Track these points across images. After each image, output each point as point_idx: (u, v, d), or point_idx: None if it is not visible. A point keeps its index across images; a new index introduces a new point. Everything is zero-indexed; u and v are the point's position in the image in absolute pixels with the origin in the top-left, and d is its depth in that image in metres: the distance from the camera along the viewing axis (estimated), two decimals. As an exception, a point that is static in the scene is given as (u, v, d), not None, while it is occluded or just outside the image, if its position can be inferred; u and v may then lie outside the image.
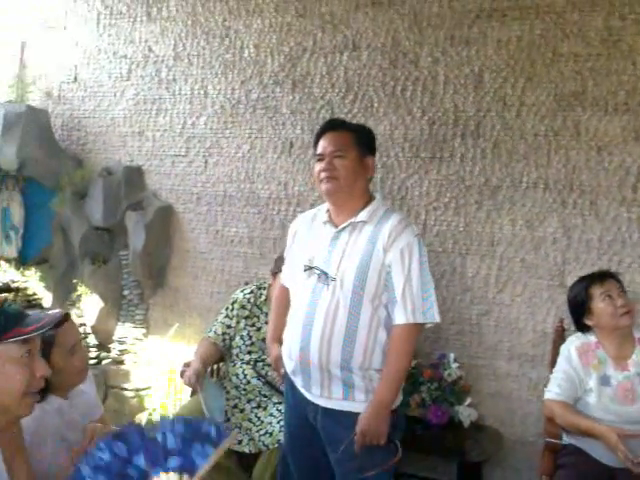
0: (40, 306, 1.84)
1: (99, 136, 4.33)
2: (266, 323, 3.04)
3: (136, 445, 1.40)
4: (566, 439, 2.61)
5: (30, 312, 1.58)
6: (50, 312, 1.62)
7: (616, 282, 2.59)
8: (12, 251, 4.22)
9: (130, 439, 1.42)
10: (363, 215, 2.14)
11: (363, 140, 2.22)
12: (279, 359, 2.36)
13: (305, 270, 2.17)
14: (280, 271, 3.01)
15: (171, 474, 1.35)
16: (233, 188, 3.92)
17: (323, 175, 2.15)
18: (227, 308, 3.10)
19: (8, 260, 4.16)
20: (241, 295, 3.11)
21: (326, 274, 2.11)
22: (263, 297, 3.10)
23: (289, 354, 2.22)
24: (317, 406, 2.16)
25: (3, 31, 4.67)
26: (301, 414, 2.24)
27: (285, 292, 2.40)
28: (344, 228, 2.15)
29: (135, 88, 4.24)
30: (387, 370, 2.07)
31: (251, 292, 3.11)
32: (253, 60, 3.92)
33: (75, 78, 4.45)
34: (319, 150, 2.20)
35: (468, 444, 2.98)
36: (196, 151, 4.04)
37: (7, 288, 3.95)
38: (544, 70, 3.29)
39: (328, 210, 2.25)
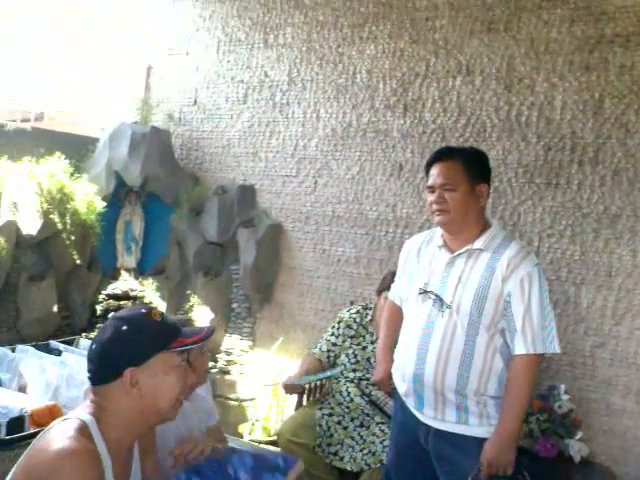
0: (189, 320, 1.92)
1: (215, 156, 4.49)
2: (371, 343, 3.02)
3: (209, 478, 1.48)
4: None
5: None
6: (202, 326, 1.69)
7: None
8: (132, 262, 4.43)
9: (205, 473, 1.50)
10: (480, 243, 2.07)
11: (474, 168, 2.11)
12: (387, 377, 2.34)
13: (420, 293, 2.13)
14: (385, 289, 2.98)
15: None
16: (341, 209, 3.95)
17: (434, 207, 2.10)
18: (333, 327, 3.11)
19: (128, 270, 4.37)
20: (347, 314, 3.11)
21: (441, 300, 2.07)
22: (369, 317, 3.09)
23: (402, 376, 2.19)
24: (429, 427, 2.12)
25: (131, 57, 4.97)
26: (411, 434, 2.19)
27: (395, 310, 2.38)
28: (460, 254, 2.09)
29: (250, 111, 4.38)
30: (509, 400, 1.99)
31: (357, 312, 3.10)
32: (365, 85, 3.96)
33: (195, 101, 4.65)
34: (430, 181, 2.14)
35: (578, 480, 2.82)
36: (306, 172, 4.11)
37: (127, 296, 4.14)
38: (670, 96, 3.12)
39: (443, 235, 2.18)
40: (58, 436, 1.36)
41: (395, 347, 2.33)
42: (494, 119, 3.55)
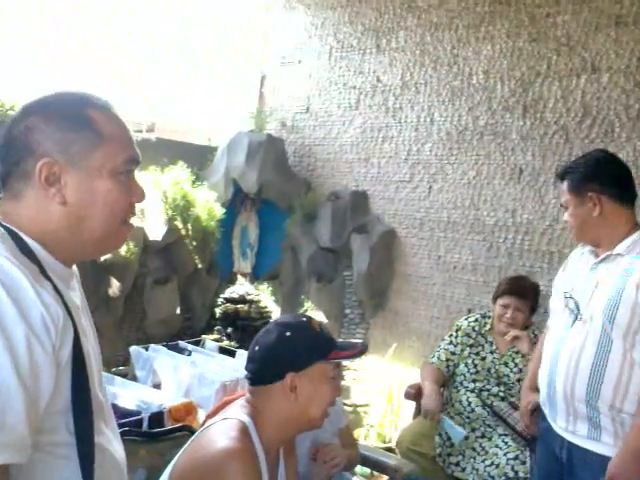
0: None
1: (327, 162, 4.46)
2: (491, 353, 2.90)
3: None
4: None
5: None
6: (355, 341, 1.72)
7: None
8: (247, 266, 4.49)
9: None
10: (621, 247, 1.92)
11: (576, 182, 1.99)
12: (529, 405, 2.25)
13: (565, 297, 2.03)
14: (499, 296, 2.90)
15: None
16: (457, 214, 3.80)
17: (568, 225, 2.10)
18: (451, 335, 3.02)
19: (244, 274, 4.43)
20: (465, 323, 3.01)
21: (578, 306, 1.96)
22: (488, 326, 2.97)
23: (540, 383, 2.11)
24: (563, 439, 2.01)
25: (245, 67, 5.04)
26: (549, 446, 2.09)
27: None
28: (602, 260, 1.96)
29: (363, 117, 4.31)
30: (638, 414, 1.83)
31: (476, 320, 3.00)
32: (482, 86, 3.79)
33: (307, 109, 4.64)
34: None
35: None
36: (420, 177, 3.99)
37: (243, 300, 4.20)
38: None
39: None
40: (222, 435, 1.39)
41: None
42: (623, 118, 3.28)
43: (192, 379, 2.86)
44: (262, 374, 1.52)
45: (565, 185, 2.01)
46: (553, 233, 3.43)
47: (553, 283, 2.21)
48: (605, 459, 1.88)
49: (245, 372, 1.57)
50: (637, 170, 3.20)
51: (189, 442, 1.48)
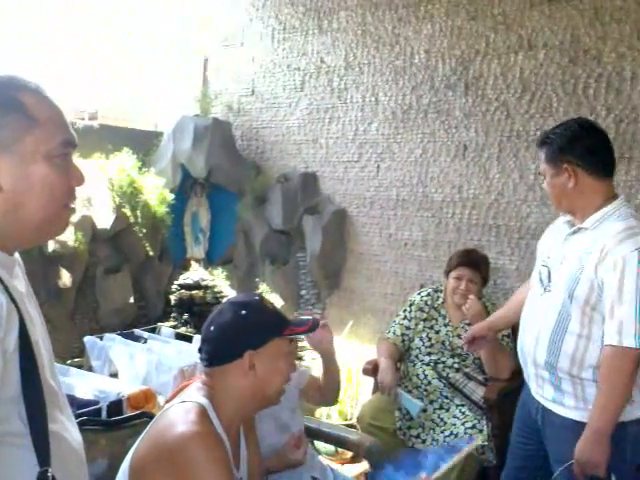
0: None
1: (276, 145, 4.43)
2: (444, 326, 2.96)
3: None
4: None
5: None
6: (306, 317, 1.72)
7: None
8: (200, 252, 4.44)
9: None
10: (589, 221, 1.92)
11: (552, 153, 1.97)
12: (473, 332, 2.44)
13: (542, 266, 2.05)
14: (452, 270, 2.97)
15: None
16: (406, 192, 3.84)
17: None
18: (405, 310, 3.07)
19: (197, 260, 4.38)
20: (418, 298, 3.07)
21: (549, 277, 2.00)
22: (440, 300, 3.03)
23: (518, 348, 2.18)
24: (538, 402, 2.08)
25: (187, 51, 4.92)
26: (527, 407, 2.17)
27: (524, 289, 2.30)
28: (574, 232, 1.97)
29: (309, 98, 4.29)
30: (599, 395, 1.85)
31: (428, 295, 3.06)
32: (424, 65, 3.81)
33: (252, 91, 4.58)
34: None
35: None
36: (368, 157, 4.01)
37: (198, 285, 4.15)
38: None
39: None
40: (180, 419, 1.38)
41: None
42: (560, 93, 3.37)
43: (149, 366, 2.83)
44: (220, 354, 1.51)
45: (542, 154, 1.99)
46: (499, 207, 3.51)
47: (537, 246, 2.22)
48: (568, 421, 1.94)
49: (200, 354, 1.56)
50: (575, 143, 3.30)
51: (148, 427, 1.47)
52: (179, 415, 1.40)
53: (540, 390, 2.04)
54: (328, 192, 4.17)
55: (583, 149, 1.93)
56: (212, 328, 1.52)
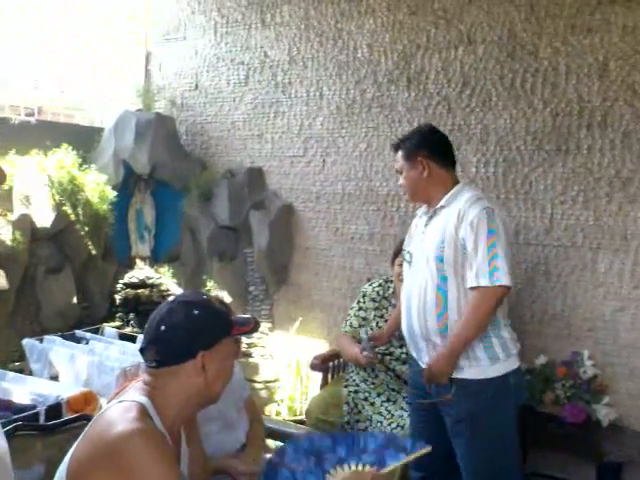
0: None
1: (221, 140, 4.37)
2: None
3: (340, 441, 1.61)
4: None
5: None
6: (246, 316, 1.71)
7: None
8: (146, 250, 4.34)
9: (337, 437, 1.63)
10: (442, 201, 2.24)
11: (408, 150, 2.32)
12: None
13: (403, 252, 2.39)
14: (396, 256, 3.02)
15: (364, 466, 1.55)
16: (351, 186, 3.84)
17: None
18: (359, 301, 3.07)
19: (143, 258, 4.28)
20: (370, 288, 3.09)
21: (411, 254, 2.30)
22: (391, 290, 3.05)
23: (403, 331, 2.34)
24: None
25: (129, 44, 4.79)
26: (420, 386, 2.28)
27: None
28: (432, 215, 2.27)
29: (253, 93, 4.24)
30: (458, 326, 2.13)
31: (379, 285, 3.08)
32: (367, 60, 3.82)
33: (196, 86, 4.50)
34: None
35: (606, 445, 2.77)
36: (314, 151, 3.99)
37: (144, 284, 4.06)
38: (677, 54, 2.99)
39: None
40: (119, 418, 1.34)
41: None
42: (499, 88, 3.42)
43: (91, 368, 2.77)
44: (172, 355, 1.47)
45: (400, 154, 2.33)
46: (440, 200, 3.54)
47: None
48: (469, 382, 2.14)
49: (145, 355, 1.51)
50: (514, 136, 3.37)
51: (85, 429, 1.42)
52: (118, 414, 1.36)
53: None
54: (274, 187, 4.13)
55: (433, 145, 2.31)
56: (163, 328, 1.47)
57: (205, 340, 1.47)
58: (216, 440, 1.90)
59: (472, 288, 2.09)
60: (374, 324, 2.98)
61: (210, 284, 4.03)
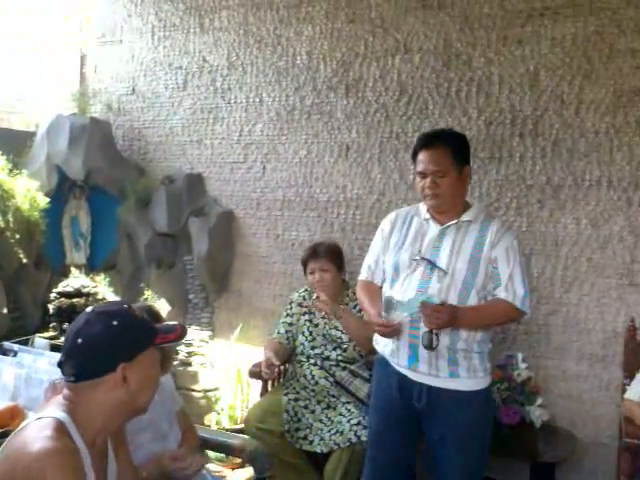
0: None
1: (159, 145, 4.22)
2: (322, 318, 2.96)
3: None
4: (645, 440, 2.40)
5: None
6: (173, 323, 1.64)
7: None
8: (81, 258, 4.15)
9: None
10: (468, 216, 2.20)
11: (460, 152, 2.23)
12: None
13: (413, 259, 2.20)
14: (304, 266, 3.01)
15: None
16: (292, 193, 3.78)
17: (427, 192, 2.19)
18: (287, 308, 3.11)
19: (78, 266, 4.08)
20: (296, 295, 3.11)
21: (434, 266, 2.15)
22: (315, 295, 3.01)
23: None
24: (422, 385, 2.18)
25: (63, 46, 4.58)
26: (400, 396, 2.21)
27: (371, 287, 2.36)
28: (450, 226, 2.20)
29: (192, 98, 4.12)
30: (484, 310, 2.16)
31: (305, 290, 3.09)
32: (306, 67, 3.76)
33: (133, 90, 4.34)
34: (420, 168, 2.21)
35: (540, 445, 2.80)
36: (254, 157, 3.91)
37: (79, 293, 3.87)
38: (601, 67, 3.07)
39: (429, 210, 2.27)
40: (36, 436, 1.28)
41: None
42: (435, 96, 3.43)
43: (18, 380, 2.62)
44: (90, 369, 1.40)
45: (449, 152, 2.16)
46: (380, 207, 3.53)
47: (375, 250, 2.37)
48: (465, 393, 2.14)
49: (63, 369, 1.43)
50: (449, 144, 3.37)
51: (3, 446, 1.35)
52: (34, 432, 1.30)
53: (434, 370, 2.14)
54: (214, 193, 4.02)
55: (469, 155, 2.30)
56: (80, 341, 1.40)
57: (125, 351, 1.42)
58: (147, 452, 1.85)
59: (507, 301, 2.14)
60: (305, 329, 2.98)
61: (148, 292, 3.88)
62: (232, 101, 3.98)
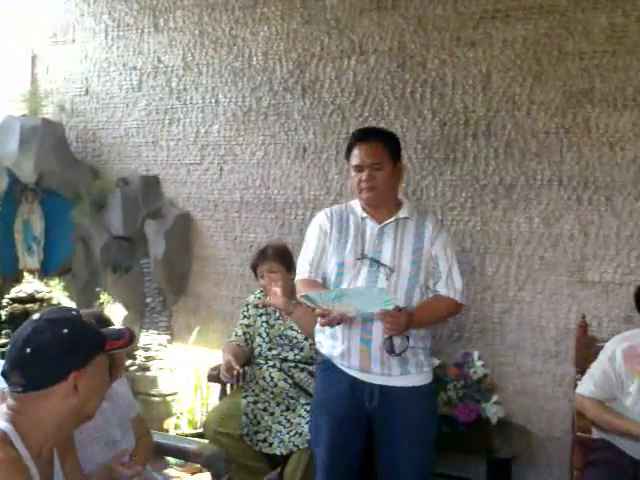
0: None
1: (114, 147, 4.10)
2: (277, 319, 2.91)
3: None
4: (596, 434, 2.43)
5: None
6: (119, 327, 1.62)
7: None
8: (35, 262, 4.00)
9: None
10: (404, 212, 2.21)
11: (393, 148, 2.24)
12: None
13: (358, 259, 2.16)
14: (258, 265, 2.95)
15: None
16: (249, 194, 3.71)
17: (364, 185, 2.17)
18: (243, 311, 3.05)
19: (31, 271, 3.94)
20: (252, 297, 3.07)
21: (379, 263, 2.14)
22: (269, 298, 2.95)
23: (341, 338, 2.18)
24: (374, 386, 2.16)
25: (14, 46, 4.40)
26: (349, 398, 2.18)
27: (316, 284, 2.28)
28: (389, 223, 2.19)
29: (147, 98, 4.01)
30: (430, 310, 2.18)
31: (261, 291, 3.04)
32: (262, 67, 3.69)
33: (87, 91, 4.21)
34: (357, 161, 2.20)
35: (497, 441, 2.81)
36: (211, 159, 3.82)
37: (32, 298, 3.74)
38: (551, 68, 3.09)
39: (364, 208, 2.24)
40: None
41: None
42: (390, 97, 3.41)
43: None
44: (40, 379, 1.34)
45: (383, 146, 2.17)
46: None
47: (313, 249, 2.30)
48: (416, 388, 2.16)
49: (8, 380, 1.37)
50: (405, 145, 3.32)
51: None
52: None
53: (386, 369, 2.13)
54: (171, 195, 3.92)
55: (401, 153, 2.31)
56: (28, 350, 1.33)
57: (76, 360, 1.37)
58: (98, 461, 1.79)
59: (448, 296, 2.18)
60: (262, 330, 2.93)
61: (104, 297, 3.76)
62: (188, 102, 3.89)
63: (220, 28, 3.80)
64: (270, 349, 2.89)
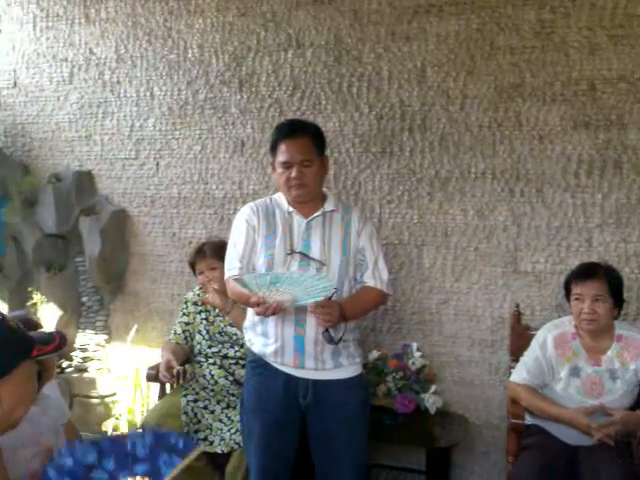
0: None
1: (45, 142, 3.89)
2: (216, 316, 2.83)
3: (107, 450, 1.39)
4: (529, 419, 2.47)
5: None
6: (50, 331, 1.51)
7: (599, 282, 2.35)
8: (-38, 263, 3.75)
9: (102, 445, 1.40)
10: (330, 205, 2.19)
11: (319, 142, 2.20)
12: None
13: (288, 254, 2.11)
14: (196, 262, 2.89)
15: (138, 478, 1.36)
16: (187, 189, 3.58)
17: (294, 182, 2.12)
18: (182, 308, 2.96)
19: (-42, 273, 3.69)
20: (191, 294, 2.97)
21: (309, 258, 2.09)
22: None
23: (274, 336, 2.13)
24: (308, 381, 2.12)
25: None
26: (284, 396, 2.14)
27: None
28: (315, 217, 2.16)
29: (79, 92, 3.81)
30: (359, 302, 2.15)
31: (200, 288, 2.95)
32: (198, 60, 3.57)
33: (15, 83, 3.97)
34: (285, 158, 2.12)
35: (435, 431, 2.81)
36: (146, 154, 3.67)
37: (-41, 302, 3.51)
38: (483, 63, 3.10)
39: (290, 202, 2.19)
40: None
41: None
42: (327, 91, 3.35)
43: None
44: None
45: (311, 142, 2.12)
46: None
47: (241, 245, 2.22)
48: (349, 380, 2.15)
49: None
50: (343, 139, 3.32)
51: None
52: None
53: (320, 364, 2.10)
54: (105, 191, 3.75)
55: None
56: None
57: (0, 368, 1.26)
58: (28, 467, 1.67)
59: (375, 287, 2.16)
60: (202, 328, 2.85)
61: (37, 297, 3.57)
62: (122, 95, 3.72)
63: (154, 19, 3.65)
64: (210, 346, 2.81)
